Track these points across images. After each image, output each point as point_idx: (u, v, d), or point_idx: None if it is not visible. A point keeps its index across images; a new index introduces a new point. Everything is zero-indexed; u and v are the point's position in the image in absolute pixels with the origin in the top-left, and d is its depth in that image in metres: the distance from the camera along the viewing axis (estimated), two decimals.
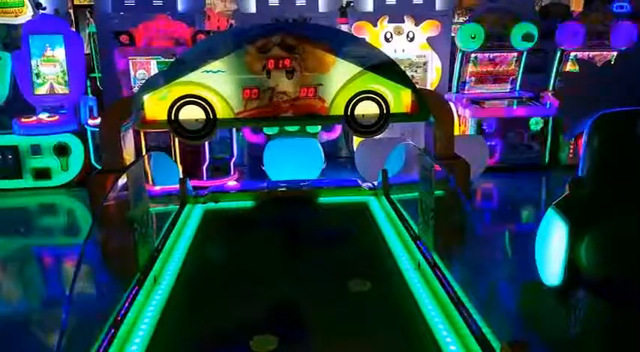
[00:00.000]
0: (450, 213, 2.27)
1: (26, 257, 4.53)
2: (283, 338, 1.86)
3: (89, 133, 5.71)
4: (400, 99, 2.25)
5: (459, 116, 5.92)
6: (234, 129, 5.74)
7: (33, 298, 3.88)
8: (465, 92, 6.13)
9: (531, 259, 3.43)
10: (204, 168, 5.65)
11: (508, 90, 6.22)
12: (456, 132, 3.01)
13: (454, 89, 6.19)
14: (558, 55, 6.15)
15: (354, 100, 2.22)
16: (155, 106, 2.15)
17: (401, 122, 2.31)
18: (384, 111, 2.23)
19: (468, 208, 2.24)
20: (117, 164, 2.16)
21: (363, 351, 1.82)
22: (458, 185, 2.08)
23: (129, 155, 2.46)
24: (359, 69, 2.20)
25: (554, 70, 6.19)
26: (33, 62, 5.67)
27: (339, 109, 2.24)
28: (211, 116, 2.18)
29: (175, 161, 5.22)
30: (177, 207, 3.15)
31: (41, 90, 5.75)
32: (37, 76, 5.70)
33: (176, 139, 5.54)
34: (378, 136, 2.33)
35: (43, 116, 5.66)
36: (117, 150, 2.15)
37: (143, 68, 5.33)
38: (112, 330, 1.86)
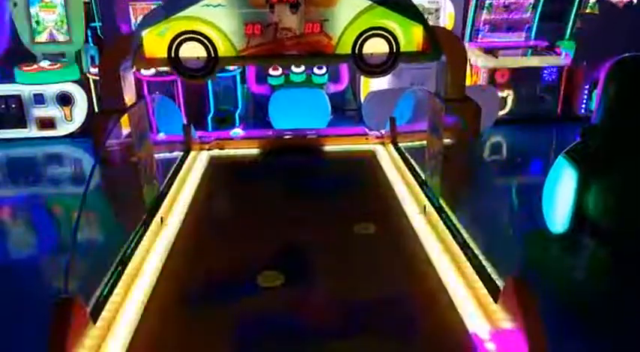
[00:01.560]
0: (459, 156, 2.21)
1: (34, 205, 4.55)
2: (290, 275, 1.85)
3: (92, 83, 5.63)
4: (411, 37, 2.14)
5: (471, 66, 5.76)
6: (238, 80, 5.63)
7: (41, 245, 3.92)
8: (479, 40, 5.95)
9: (538, 209, 3.41)
10: (209, 119, 5.59)
11: (523, 39, 6.02)
12: (468, 83, 2.91)
13: (467, 38, 5.99)
14: None
15: (362, 38, 2.12)
16: (154, 43, 2.07)
17: (411, 61, 2.22)
18: (394, 50, 2.13)
19: (476, 151, 2.18)
20: (118, 104, 2.11)
21: (368, 289, 1.81)
22: (468, 127, 2.02)
23: (130, 99, 2.40)
24: (367, 3, 2.09)
25: (572, 16, 5.93)
26: (32, 10, 5.53)
27: (346, 47, 2.14)
28: (212, 54, 2.10)
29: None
30: (182, 153, 3.11)
31: (41, 38, 5.63)
32: (38, 23, 5.57)
33: (180, 90, 5.46)
34: (385, 88, 2.23)
35: (45, 64, 5.57)
36: (117, 90, 2.09)
37: (144, 14, 5.18)
38: (119, 268, 1.85)
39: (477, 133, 2.16)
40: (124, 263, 1.90)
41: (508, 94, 5.81)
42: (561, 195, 3.04)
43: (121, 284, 1.80)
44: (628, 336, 2.71)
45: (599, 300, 2.86)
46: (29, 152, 5.55)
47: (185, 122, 3.24)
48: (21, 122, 5.63)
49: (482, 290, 1.74)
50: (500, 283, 1.68)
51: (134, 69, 2.29)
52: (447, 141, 2.30)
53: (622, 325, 2.79)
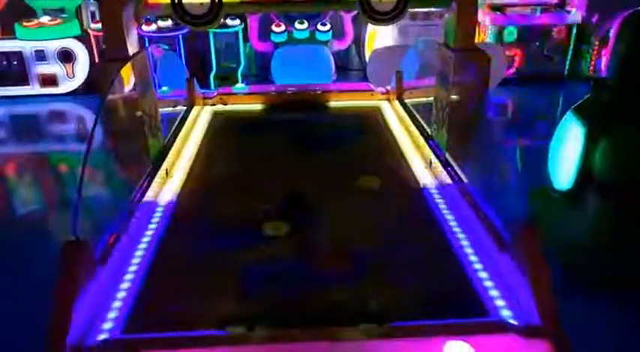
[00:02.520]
0: (466, 108, 2.18)
1: (38, 162, 4.55)
2: (294, 225, 1.86)
3: (93, 39, 5.55)
4: None
5: (478, 24, 5.63)
6: (240, 37, 5.53)
7: (46, 201, 3.94)
8: None
9: (543, 168, 3.39)
10: (211, 77, 5.52)
11: None
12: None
13: None
14: None
15: None
16: None
17: (420, 8, 2.16)
18: None
19: (485, 101, 2.15)
20: (120, 53, 2.07)
21: (373, 240, 1.81)
22: (477, 78, 1.98)
23: (133, 49, 2.35)
24: None
25: None
26: None
27: None
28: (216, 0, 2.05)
29: None
30: (185, 107, 3.09)
31: None
32: None
33: (181, 47, 5.37)
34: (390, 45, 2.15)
35: (45, 19, 5.47)
36: (120, 37, 2.04)
37: None
38: (125, 216, 1.86)
39: (486, 85, 2.12)
40: (130, 211, 1.90)
41: (515, 53, 5.71)
42: (568, 151, 3.02)
43: (127, 232, 1.81)
44: (630, 293, 2.74)
45: (603, 256, 2.88)
46: (32, 109, 5.53)
47: (188, 76, 3.20)
48: (23, 79, 5.58)
49: (488, 240, 1.75)
50: (506, 234, 1.68)
51: (137, 21, 2.24)
52: (454, 97, 2.27)
53: (624, 281, 2.81)
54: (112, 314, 1.47)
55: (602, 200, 2.96)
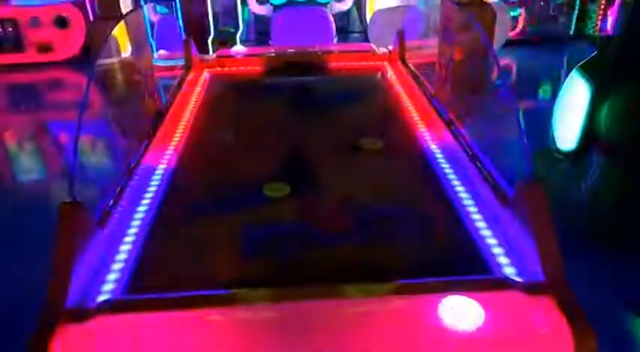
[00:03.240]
0: (470, 65, 2.12)
1: (37, 131, 4.52)
2: (296, 186, 1.83)
3: (88, 5, 5.42)
4: None
5: None
6: (238, 0, 5.41)
7: (47, 169, 3.92)
8: None
9: (547, 130, 3.34)
10: (209, 41, 5.42)
11: None
12: None
13: None
14: None
15: None
16: None
17: None
18: None
19: (490, 55, 2.09)
20: (114, 11, 2.01)
21: (375, 200, 1.79)
22: (482, 31, 1.91)
23: (127, 8, 2.28)
24: None
25: None
26: None
27: None
28: None
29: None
30: (183, 70, 3.03)
31: None
32: None
33: (178, 11, 5.25)
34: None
35: None
36: None
37: None
38: (126, 180, 1.83)
39: (492, 41, 2.05)
40: (129, 174, 1.88)
41: (520, 13, 5.57)
42: (573, 110, 2.96)
43: (127, 194, 1.79)
44: (634, 254, 2.73)
45: (608, 218, 2.86)
46: (27, 77, 5.45)
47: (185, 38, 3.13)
48: (18, 46, 5.49)
49: (492, 197, 1.72)
50: (510, 191, 1.66)
51: None
52: (458, 54, 2.21)
53: (629, 242, 2.80)
54: (111, 276, 1.46)
55: (607, 160, 2.92)
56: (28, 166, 3.91)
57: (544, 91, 5.01)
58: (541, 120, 3.40)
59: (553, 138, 3.24)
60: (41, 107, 5.01)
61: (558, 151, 3.18)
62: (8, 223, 2.94)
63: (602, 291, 2.57)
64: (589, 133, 2.93)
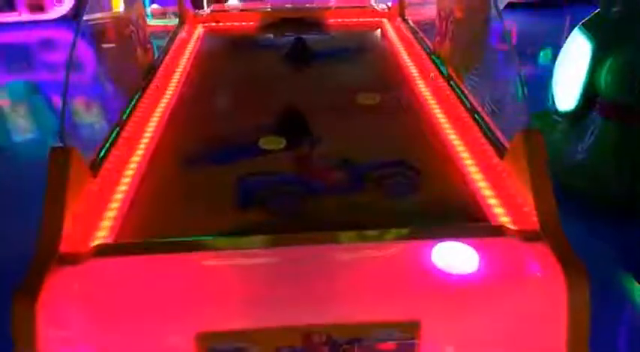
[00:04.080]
0: (471, 20, 2.08)
1: (31, 92, 4.46)
2: (292, 139, 1.81)
3: None
4: None
5: None
6: None
7: (37, 128, 3.88)
8: None
9: (545, 94, 3.30)
10: None
11: None
12: None
13: None
14: None
15: None
16: None
17: None
18: None
19: (490, 14, 2.04)
20: None
21: (371, 154, 1.77)
22: None
23: None
24: None
25: None
26: None
27: None
28: None
29: None
30: (176, 25, 2.96)
31: None
32: None
33: None
34: None
35: None
36: None
37: None
38: (118, 129, 1.80)
39: None
40: (122, 125, 1.84)
41: None
42: (574, 68, 2.93)
43: (119, 145, 1.76)
44: (631, 216, 2.74)
45: (607, 179, 2.85)
46: (20, 36, 5.35)
47: None
48: (9, 5, 5.37)
49: (489, 151, 1.70)
50: (507, 145, 1.64)
51: None
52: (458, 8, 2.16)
53: (626, 203, 2.80)
54: (105, 223, 1.45)
55: (606, 121, 2.90)
56: (23, 125, 3.87)
57: (544, 55, 4.95)
58: (540, 84, 3.37)
59: (552, 100, 3.21)
60: (34, 67, 4.93)
61: (557, 113, 3.15)
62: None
63: (600, 254, 2.59)
64: (589, 92, 2.91)
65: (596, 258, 2.27)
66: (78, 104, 3.54)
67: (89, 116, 3.20)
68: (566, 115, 3.15)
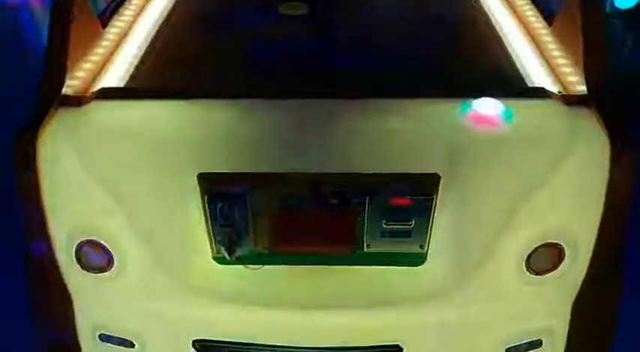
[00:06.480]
0: None
1: None
2: (312, 7, 1.65)
3: None
4: None
5: None
6: None
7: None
8: None
9: None
10: None
11: None
12: None
13: None
14: None
15: None
16: None
17: None
18: None
19: None
20: None
21: (399, 19, 1.60)
22: None
23: None
24: None
25: None
26: None
27: None
28: None
29: None
30: None
31: None
32: None
33: None
34: None
35: None
36: None
37: None
38: None
39: None
40: None
41: None
42: None
43: (133, 2, 1.64)
44: None
45: None
46: None
47: None
48: None
49: (537, 19, 1.53)
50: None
51: None
52: None
53: None
54: (114, 72, 1.36)
55: None
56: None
57: None
58: None
59: None
60: None
61: (613, 6, 2.88)
62: None
63: None
64: None
65: None
66: None
67: None
68: (623, 13, 2.89)
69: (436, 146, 1.10)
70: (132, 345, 1.22)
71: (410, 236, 1.14)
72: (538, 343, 1.20)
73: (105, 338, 1.23)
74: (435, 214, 1.12)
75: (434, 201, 1.10)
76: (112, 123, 1.15)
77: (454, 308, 1.15)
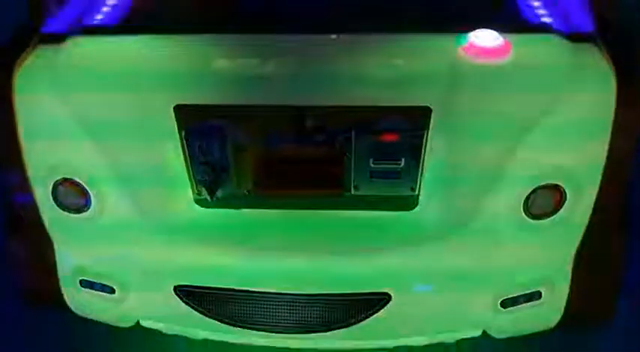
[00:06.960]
0: None
1: None
2: None
3: None
4: None
5: None
6: None
7: None
8: None
9: None
10: None
11: None
12: None
13: None
14: None
15: None
16: None
17: None
18: None
19: None
20: None
21: None
22: None
23: None
24: None
25: None
26: None
27: None
28: None
29: None
30: None
31: None
32: None
33: None
34: None
35: None
36: None
37: None
38: None
39: None
40: None
41: None
42: None
43: None
44: None
45: None
46: None
47: None
48: None
49: None
50: None
51: None
52: None
53: None
54: (103, 9, 1.30)
55: None
56: None
57: None
58: None
59: None
60: None
61: None
62: None
63: None
64: None
65: None
66: None
67: None
68: None
69: (429, 79, 1.03)
70: (112, 291, 1.19)
71: (400, 177, 1.08)
72: (537, 295, 1.12)
73: (86, 284, 1.20)
74: (426, 153, 1.05)
75: (425, 138, 1.04)
76: (91, 60, 1.11)
77: (446, 256, 1.09)
